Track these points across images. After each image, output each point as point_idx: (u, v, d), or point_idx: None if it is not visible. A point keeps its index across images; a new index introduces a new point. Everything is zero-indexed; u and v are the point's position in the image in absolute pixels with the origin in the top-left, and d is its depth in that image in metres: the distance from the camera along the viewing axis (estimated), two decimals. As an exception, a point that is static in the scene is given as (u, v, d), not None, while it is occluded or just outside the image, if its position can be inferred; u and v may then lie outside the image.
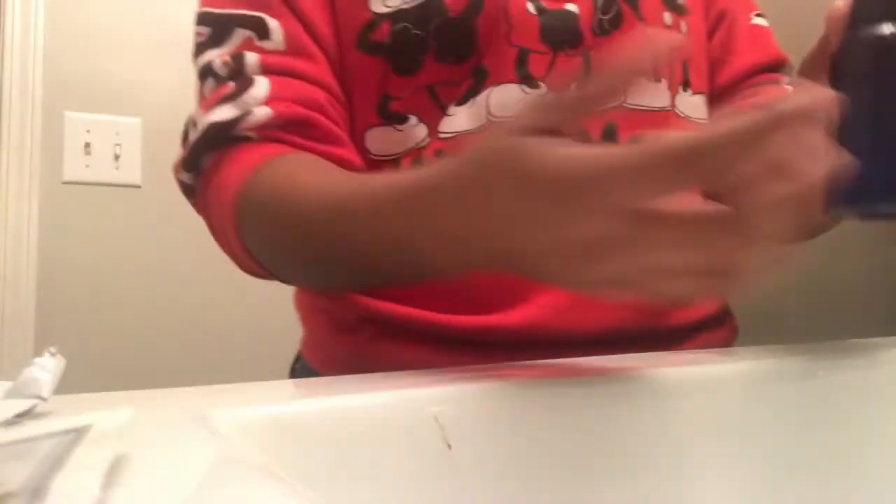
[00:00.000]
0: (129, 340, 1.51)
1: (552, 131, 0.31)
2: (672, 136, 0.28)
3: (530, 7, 0.53)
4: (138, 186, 1.53)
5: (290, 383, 0.36)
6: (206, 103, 0.51)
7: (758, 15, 0.67)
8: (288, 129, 0.50)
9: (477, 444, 0.29)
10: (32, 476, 0.17)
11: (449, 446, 0.28)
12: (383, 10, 0.51)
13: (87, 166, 1.50)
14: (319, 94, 0.52)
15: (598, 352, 0.42)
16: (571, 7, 0.54)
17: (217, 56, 0.52)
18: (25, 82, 1.47)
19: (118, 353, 1.50)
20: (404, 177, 0.39)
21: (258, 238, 0.48)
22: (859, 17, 0.35)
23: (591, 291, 0.34)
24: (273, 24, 0.52)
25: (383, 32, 0.52)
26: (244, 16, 0.52)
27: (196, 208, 0.54)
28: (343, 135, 0.53)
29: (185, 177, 0.52)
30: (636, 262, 0.30)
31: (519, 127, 0.31)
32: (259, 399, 0.31)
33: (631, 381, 0.34)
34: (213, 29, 0.53)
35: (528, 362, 0.38)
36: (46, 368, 0.26)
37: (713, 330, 0.58)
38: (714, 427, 0.36)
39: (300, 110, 0.50)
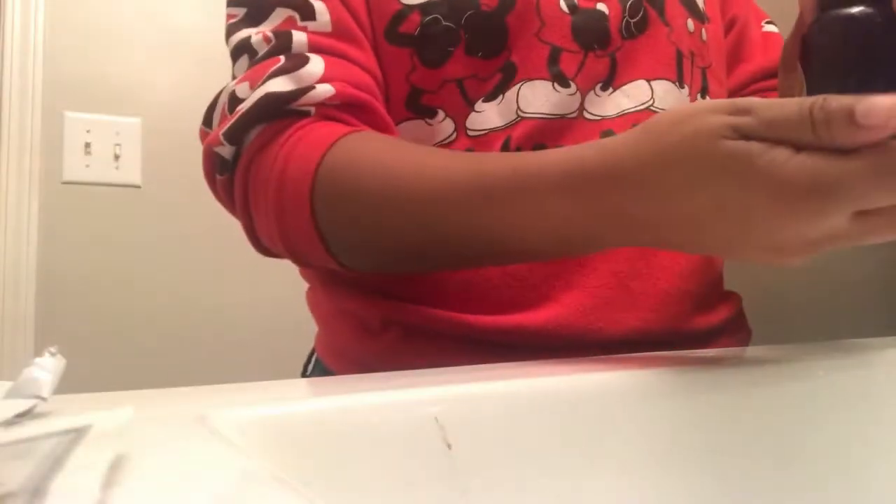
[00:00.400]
0: (129, 340, 1.51)
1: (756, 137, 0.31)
2: None
3: (563, 5, 0.53)
4: (138, 186, 1.53)
5: (290, 383, 0.36)
6: (252, 76, 0.49)
7: (768, 22, 0.68)
8: (346, 110, 0.49)
9: (477, 444, 0.29)
10: (32, 476, 0.17)
11: (449, 446, 0.28)
12: (413, 1, 0.51)
13: (87, 166, 1.51)
14: (370, 81, 0.51)
15: (622, 353, 0.42)
16: (602, 7, 0.54)
17: (254, 33, 0.51)
18: (25, 82, 1.47)
19: (118, 353, 1.50)
20: (576, 156, 0.37)
21: (346, 216, 0.45)
22: None
23: (779, 266, 0.35)
24: (319, 5, 0.51)
25: (413, 24, 0.51)
26: None
27: (224, 185, 0.51)
28: (392, 124, 0.52)
29: (226, 150, 0.49)
30: (843, 245, 0.33)
31: (733, 127, 0.32)
32: (259, 399, 0.31)
33: (631, 380, 0.34)
34: (249, 8, 0.52)
35: (528, 362, 0.38)
36: (46, 368, 0.26)
37: (732, 334, 0.58)
38: (714, 427, 0.36)
39: (358, 93, 0.49)
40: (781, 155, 0.30)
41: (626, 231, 0.37)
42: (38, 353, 0.26)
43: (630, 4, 0.54)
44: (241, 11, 0.52)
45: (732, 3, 0.66)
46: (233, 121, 0.48)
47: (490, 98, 0.52)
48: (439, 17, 0.51)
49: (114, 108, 1.53)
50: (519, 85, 0.52)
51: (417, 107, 0.52)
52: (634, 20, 0.55)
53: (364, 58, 0.51)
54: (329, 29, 0.50)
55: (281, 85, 0.47)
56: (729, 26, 0.66)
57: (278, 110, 0.47)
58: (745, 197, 0.32)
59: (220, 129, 0.49)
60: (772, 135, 0.31)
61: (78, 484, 0.17)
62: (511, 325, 0.49)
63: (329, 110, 0.48)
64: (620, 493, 0.32)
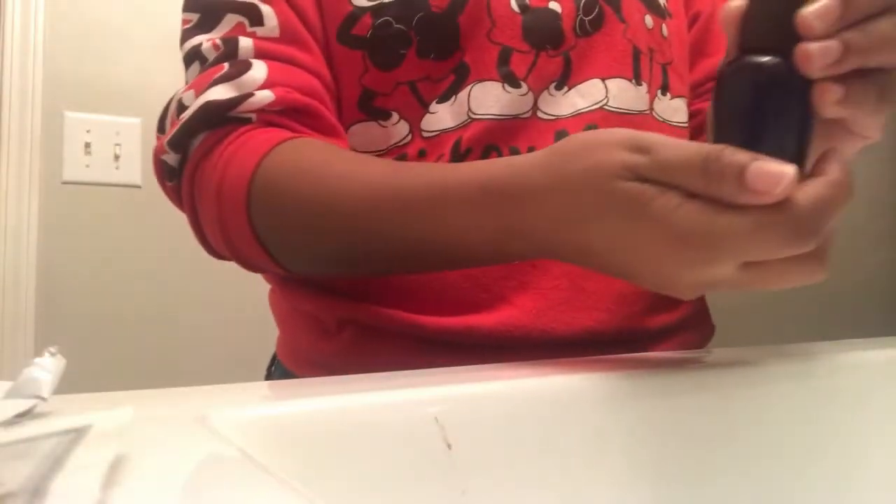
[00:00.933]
0: (129, 340, 1.51)
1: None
2: (804, 205, 0.30)
3: (514, 5, 0.52)
4: (138, 186, 1.53)
5: (289, 383, 0.36)
6: (198, 84, 0.49)
7: None
8: (289, 116, 0.49)
9: (477, 444, 0.29)
10: (32, 476, 0.17)
11: (449, 446, 0.28)
12: (365, 3, 0.51)
13: (87, 166, 1.50)
14: (317, 84, 0.51)
15: (577, 353, 0.43)
16: (555, 6, 0.53)
17: (205, 40, 0.51)
18: (25, 82, 1.47)
19: (118, 353, 1.50)
20: (485, 172, 0.38)
21: (278, 221, 0.46)
22: (744, 37, 0.34)
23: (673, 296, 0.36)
24: (266, 10, 0.51)
25: (364, 27, 0.51)
26: (235, 1, 0.51)
27: (174, 192, 0.52)
28: (340, 127, 0.52)
29: (171, 158, 0.50)
30: (732, 290, 0.34)
31: (629, 167, 0.32)
32: (259, 399, 0.31)
33: (630, 380, 0.34)
34: (202, 15, 0.52)
35: (528, 362, 0.38)
36: (46, 368, 0.26)
37: (689, 331, 0.58)
38: (714, 426, 0.36)
39: (302, 98, 0.49)
40: (672, 201, 0.31)
41: (539, 248, 0.38)
42: (38, 353, 0.26)
43: (584, 2, 0.54)
44: (194, 17, 0.52)
45: None
46: (176, 129, 0.49)
47: (443, 99, 0.51)
48: (391, 19, 0.51)
49: (114, 108, 1.53)
50: (471, 86, 0.51)
51: (370, 109, 0.52)
52: (589, 18, 0.54)
53: (312, 61, 0.51)
54: (276, 34, 0.51)
55: (221, 93, 0.48)
56: (692, 21, 0.65)
57: (220, 118, 0.48)
58: (635, 237, 0.33)
59: (165, 137, 0.50)
60: (665, 178, 0.32)
61: (78, 484, 0.17)
62: (463, 327, 0.50)
63: (271, 116, 0.49)
64: (620, 492, 0.32)
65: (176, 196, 0.52)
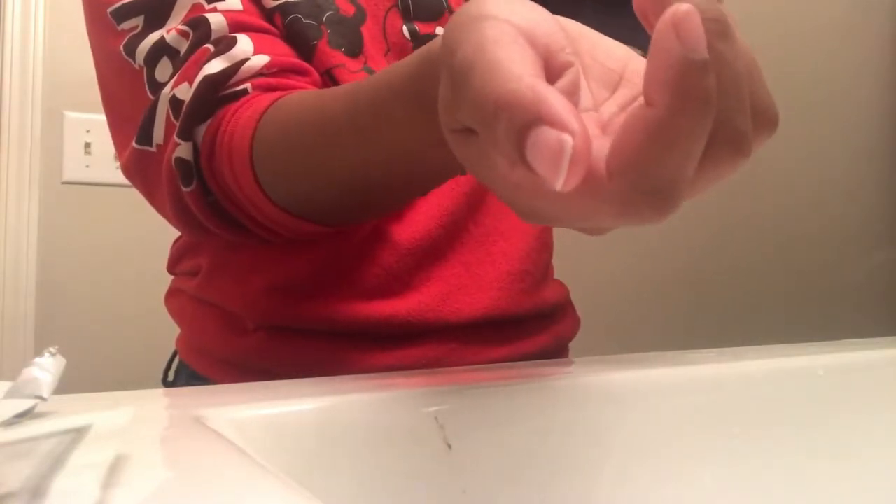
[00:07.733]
0: (129, 340, 1.51)
1: None
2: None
3: (405, 31, 0.54)
4: (138, 186, 1.53)
5: (289, 383, 0.36)
6: (188, 74, 0.46)
7: None
8: (286, 75, 0.48)
9: (477, 444, 0.29)
10: (32, 476, 0.17)
11: (449, 446, 0.28)
12: (272, 4, 0.51)
13: (87, 166, 1.50)
14: (292, 51, 0.50)
15: (483, 334, 0.47)
16: (441, 31, 0.54)
17: (165, 32, 0.48)
18: (25, 82, 1.47)
19: (118, 353, 1.50)
20: (426, 51, 0.32)
21: (281, 161, 0.43)
22: None
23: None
24: None
25: (277, 27, 0.51)
26: None
27: (193, 197, 0.47)
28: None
29: (184, 150, 0.46)
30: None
31: (448, 107, 0.25)
32: (258, 399, 0.31)
33: (631, 380, 0.34)
34: (147, 14, 0.49)
35: (529, 363, 0.38)
36: (46, 368, 0.26)
37: (568, 314, 0.63)
38: (714, 426, 0.36)
39: (292, 59, 0.49)
40: (484, 155, 0.24)
41: None
42: (38, 353, 0.26)
43: None
44: (139, 21, 0.49)
45: None
46: (181, 118, 0.46)
47: None
48: (299, 16, 0.51)
49: (114, 108, 1.53)
50: None
51: None
52: None
53: (276, 31, 0.50)
54: (240, 6, 0.49)
55: (215, 66, 0.46)
56: None
57: (216, 100, 0.46)
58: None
59: (173, 135, 0.46)
60: (474, 125, 0.24)
61: (78, 484, 0.17)
62: (379, 318, 0.51)
63: (268, 80, 0.47)
64: (621, 491, 0.32)
65: (198, 199, 0.47)
